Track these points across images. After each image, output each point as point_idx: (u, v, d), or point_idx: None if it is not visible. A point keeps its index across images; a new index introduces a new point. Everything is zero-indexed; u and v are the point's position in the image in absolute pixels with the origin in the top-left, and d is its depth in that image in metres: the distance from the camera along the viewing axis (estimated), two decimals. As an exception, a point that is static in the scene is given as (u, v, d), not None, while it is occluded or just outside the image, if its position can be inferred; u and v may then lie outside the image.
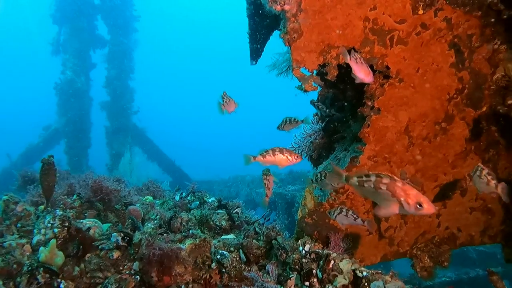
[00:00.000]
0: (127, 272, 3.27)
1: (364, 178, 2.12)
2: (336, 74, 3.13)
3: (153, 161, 17.72)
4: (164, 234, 3.77)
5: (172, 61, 62.65)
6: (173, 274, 3.39)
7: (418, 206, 1.88)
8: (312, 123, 4.64)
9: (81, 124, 14.82)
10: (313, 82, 3.07)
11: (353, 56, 2.81)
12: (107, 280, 3.20)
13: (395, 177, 1.98)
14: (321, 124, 4.54)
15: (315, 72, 3.21)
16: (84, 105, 15.08)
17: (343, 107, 4.39)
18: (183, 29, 61.15)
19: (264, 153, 3.23)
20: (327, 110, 3.83)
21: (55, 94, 14.62)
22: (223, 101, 3.74)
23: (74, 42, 14.91)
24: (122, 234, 3.43)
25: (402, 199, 1.93)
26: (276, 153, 3.23)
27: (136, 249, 3.38)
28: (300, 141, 4.65)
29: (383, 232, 3.82)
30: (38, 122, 16.47)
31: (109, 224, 3.82)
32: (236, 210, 4.54)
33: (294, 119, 3.58)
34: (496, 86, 3.58)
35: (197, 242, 3.59)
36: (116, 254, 3.37)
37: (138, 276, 3.24)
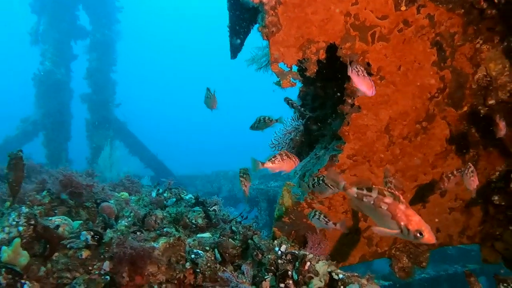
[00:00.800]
0: (97, 272, 3.14)
1: (365, 192, 1.97)
2: (315, 70, 3.04)
3: (135, 156, 17.45)
4: (138, 233, 3.65)
5: (156, 54, 61.71)
6: (145, 274, 3.29)
7: (418, 234, 1.76)
8: (293, 119, 4.55)
9: (61, 116, 14.45)
10: (291, 78, 2.97)
11: (354, 69, 2.70)
12: (75, 281, 3.07)
13: (400, 198, 1.85)
14: (301, 121, 4.45)
15: (295, 68, 3.12)
16: (64, 97, 14.70)
17: (324, 104, 4.31)
18: (167, 21, 60.23)
19: (273, 159, 3.08)
20: (302, 109, 3.72)
21: (33, 85, 14.23)
22: (207, 97, 3.63)
23: (54, 32, 14.51)
24: (92, 233, 3.30)
25: (402, 223, 1.81)
26: (283, 157, 3.08)
27: (107, 248, 3.25)
28: (280, 138, 4.55)
29: (361, 232, 3.76)
30: (16, 113, 16.05)
31: (80, 222, 3.67)
32: (213, 207, 4.43)
33: (269, 118, 3.46)
34: (477, 86, 3.54)
35: (171, 241, 3.49)
36: (85, 253, 3.23)
37: (108, 277, 3.12)
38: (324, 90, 4.21)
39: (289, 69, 3.00)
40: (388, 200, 1.85)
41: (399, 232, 1.80)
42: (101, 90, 15.36)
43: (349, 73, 2.69)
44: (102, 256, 3.24)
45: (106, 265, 3.18)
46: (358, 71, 2.69)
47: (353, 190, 2.01)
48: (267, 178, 12.32)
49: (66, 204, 3.91)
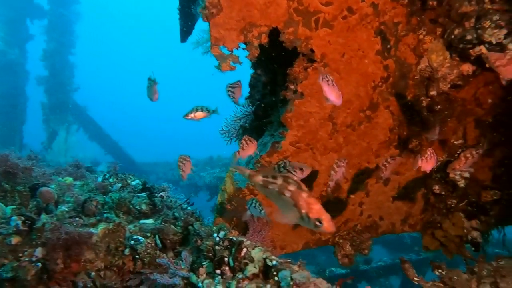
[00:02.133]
0: (27, 259, 3.02)
1: (270, 179, 1.97)
2: (257, 54, 2.99)
3: (95, 141, 16.97)
4: (76, 218, 3.53)
5: (118, 38, 59.58)
6: (82, 260, 3.20)
7: (317, 223, 1.77)
8: (243, 106, 4.50)
9: (14, 98, 13.81)
10: (231, 62, 2.91)
11: (324, 78, 2.69)
12: (2, 268, 2.95)
13: (303, 186, 1.86)
14: (251, 107, 4.41)
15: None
16: (18, 78, 14.05)
17: (274, 91, 4.28)
18: (130, 3, 58.22)
19: (241, 145, 3.15)
20: (234, 99, 3.58)
21: (-17, 65, 13.51)
22: (148, 88, 3.55)
23: (7, 9, 13.77)
24: (23, 218, 3.16)
25: (303, 211, 1.81)
26: (248, 142, 3.15)
27: (39, 234, 3.12)
28: (230, 124, 4.50)
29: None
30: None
31: (13, 207, 3.52)
32: (161, 193, 4.35)
33: (206, 108, 3.38)
34: (420, 77, 3.60)
35: (111, 226, 3.40)
36: (15, 239, 3.09)
37: (39, 264, 3.00)
38: (274, 76, 4.18)
39: (230, 52, 2.94)
40: (292, 187, 1.86)
41: (300, 220, 1.82)
42: (59, 73, 14.75)
43: (319, 81, 2.68)
44: (34, 242, 3.12)
45: (38, 252, 3.07)
46: (328, 80, 2.70)
47: (259, 178, 2.02)
48: (228, 167, 12.26)
49: (1, 188, 3.74)
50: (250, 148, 3.19)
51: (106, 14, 55.27)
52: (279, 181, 1.92)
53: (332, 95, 2.69)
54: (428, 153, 3.16)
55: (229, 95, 3.16)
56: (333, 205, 3.81)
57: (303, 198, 1.80)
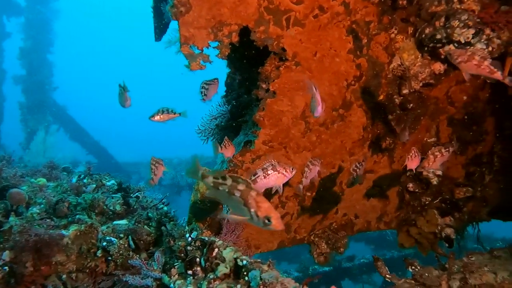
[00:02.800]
0: (-7, 263, 2.95)
1: (220, 180, 1.97)
2: (227, 53, 2.97)
3: (76, 142, 16.68)
4: (47, 220, 3.47)
5: (97, 36, 58.52)
6: (53, 263, 3.16)
7: (266, 221, 1.78)
8: (219, 105, 4.48)
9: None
10: (201, 61, 2.88)
11: (317, 89, 2.70)
12: (-33, 272, 2.87)
13: (252, 186, 1.88)
14: (227, 106, 4.39)
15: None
16: (-6, 77, 13.75)
17: (250, 90, 4.26)
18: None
19: (224, 144, 3.23)
20: (204, 96, 3.54)
21: (-43, 63, 13.17)
22: (120, 95, 3.52)
23: (-19, 6, 13.46)
24: (-11, 221, 3.10)
25: (252, 210, 1.82)
26: (229, 143, 3.25)
27: (6, 236, 3.06)
28: (206, 123, 4.47)
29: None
30: None
31: (-19, 209, 3.44)
32: (136, 194, 4.31)
33: (172, 110, 3.34)
34: (392, 75, 3.62)
35: (82, 228, 3.36)
36: (-20, 243, 3.03)
37: (6, 267, 2.95)
38: (250, 75, 4.16)
39: (201, 51, 2.91)
40: (241, 187, 1.88)
41: (250, 218, 1.82)
42: (37, 72, 14.41)
43: (310, 90, 2.68)
44: (1, 245, 3.05)
45: (6, 255, 3.02)
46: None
47: (210, 179, 2.02)
48: (211, 165, 12.19)
49: (-30, 190, 3.65)
50: (229, 150, 3.23)
51: (85, 12, 54.27)
52: (229, 181, 1.92)
53: (322, 106, 2.72)
54: (413, 152, 3.22)
55: (201, 92, 3.12)
56: (308, 204, 3.82)
57: (252, 197, 1.82)
